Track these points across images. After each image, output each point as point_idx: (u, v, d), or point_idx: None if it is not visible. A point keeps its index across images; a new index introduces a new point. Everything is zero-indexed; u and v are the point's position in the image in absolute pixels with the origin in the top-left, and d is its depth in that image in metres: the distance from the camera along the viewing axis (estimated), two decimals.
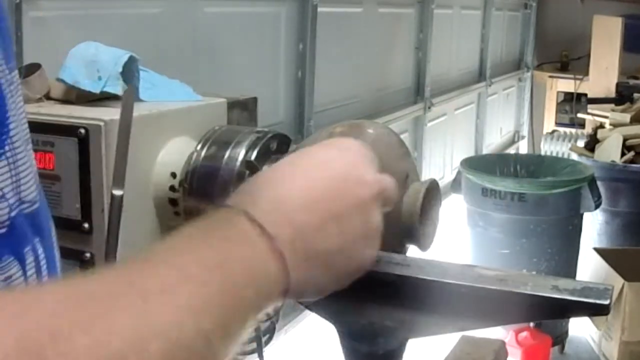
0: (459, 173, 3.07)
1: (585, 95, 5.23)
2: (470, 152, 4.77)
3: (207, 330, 0.44)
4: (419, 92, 3.88)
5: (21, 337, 0.37)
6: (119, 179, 0.69)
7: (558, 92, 5.68)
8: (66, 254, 1.10)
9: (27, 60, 1.44)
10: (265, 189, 0.56)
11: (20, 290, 0.48)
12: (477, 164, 3.12)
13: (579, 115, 5.09)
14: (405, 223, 0.85)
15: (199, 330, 0.43)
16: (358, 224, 0.57)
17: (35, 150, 1.09)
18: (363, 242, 0.58)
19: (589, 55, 5.28)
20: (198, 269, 0.47)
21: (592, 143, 3.74)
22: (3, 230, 0.51)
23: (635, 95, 4.59)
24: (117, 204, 0.68)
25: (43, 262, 0.56)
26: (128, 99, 0.72)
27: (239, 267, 0.49)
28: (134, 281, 0.44)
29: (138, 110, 1.12)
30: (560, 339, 3.01)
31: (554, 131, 5.49)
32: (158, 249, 0.49)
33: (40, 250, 0.55)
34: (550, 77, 5.68)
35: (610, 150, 3.56)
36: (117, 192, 0.68)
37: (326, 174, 0.58)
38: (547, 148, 5.26)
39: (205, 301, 0.45)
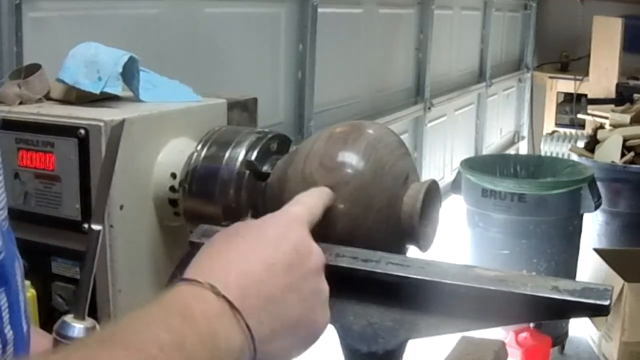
0: (458, 173, 3.06)
1: (585, 95, 5.23)
2: (470, 153, 4.77)
3: None
4: (419, 93, 3.88)
5: None
6: (98, 214, 0.68)
7: (558, 93, 5.67)
8: (66, 254, 1.11)
9: (27, 60, 1.44)
10: (226, 263, 0.59)
11: None
12: (477, 164, 3.12)
13: (579, 115, 5.09)
14: (405, 224, 0.85)
15: None
16: (312, 292, 0.61)
17: (36, 151, 1.09)
18: (318, 309, 0.62)
19: (589, 56, 5.28)
20: (158, 351, 0.48)
21: (592, 144, 3.74)
22: None
23: (635, 95, 4.59)
24: (94, 239, 0.66)
25: (5, 312, 0.55)
26: (115, 133, 0.71)
27: (200, 345, 0.51)
28: None
29: (138, 110, 1.12)
30: (560, 339, 3.01)
31: (554, 132, 5.49)
32: (117, 330, 0.50)
33: (3, 301, 0.55)
34: (550, 77, 5.68)
35: (610, 151, 3.56)
36: (96, 227, 0.67)
37: (280, 248, 0.61)
38: (547, 149, 5.25)
39: None
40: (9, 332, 0.55)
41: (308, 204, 0.70)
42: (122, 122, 0.72)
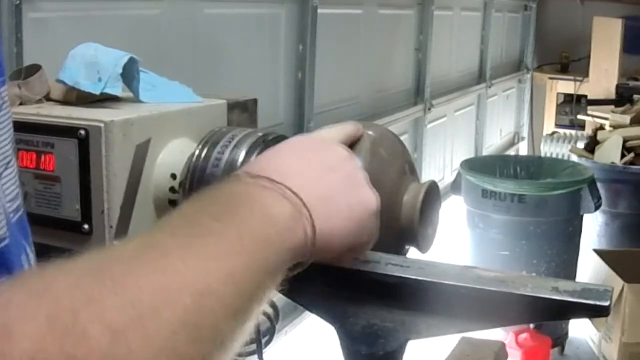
0: (458, 174, 3.07)
1: (585, 96, 5.23)
2: (470, 154, 4.77)
3: (234, 274, 0.46)
4: (419, 94, 3.88)
5: (52, 312, 0.37)
6: (121, 231, 0.69)
7: (558, 94, 5.68)
8: (66, 255, 1.11)
9: (27, 61, 1.44)
10: (261, 158, 0.65)
11: (40, 269, 0.48)
12: (477, 165, 3.12)
13: (579, 116, 5.08)
14: (405, 225, 0.85)
15: (225, 275, 0.46)
16: (349, 172, 0.64)
17: (36, 152, 1.09)
18: (362, 188, 0.65)
19: (589, 57, 5.29)
20: (212, 221, 0.49)
21: (592, 144, 3.75)
22: None
23: (635, 96, 4.59)
24: None
25: None
26: (140, 152, 0.72)
27: (250, 212, 0.53)
28: (153, 243, 0.46)
29: (138, 111, 1.12)
30: (560, 340, 3.01)
31: (553, 132, 5.49)
32: (168, 219, 0.51)
33: None
34: (550, 78, 5.68)
35: (610, 152, 3.56)
36: None
37: (306, 143, 0.67)
38: (547, 149, 5.25)
39: (225, 248, 0.48)
40: None
41: (332, 128, 0.75)
42: (148, 141, 0.72)
